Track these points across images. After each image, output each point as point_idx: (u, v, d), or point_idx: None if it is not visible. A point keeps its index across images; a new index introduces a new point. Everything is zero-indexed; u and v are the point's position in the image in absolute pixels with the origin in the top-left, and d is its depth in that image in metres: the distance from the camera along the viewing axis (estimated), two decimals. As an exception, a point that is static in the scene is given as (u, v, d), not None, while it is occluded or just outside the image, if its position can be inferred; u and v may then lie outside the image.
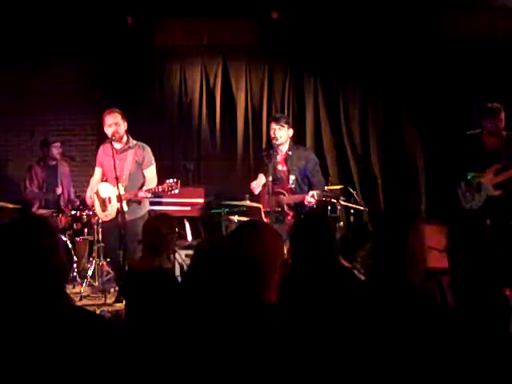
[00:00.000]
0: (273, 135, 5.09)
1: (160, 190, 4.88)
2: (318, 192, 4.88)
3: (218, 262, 2.32)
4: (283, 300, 1.98)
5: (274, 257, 1.93)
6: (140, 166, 5.11)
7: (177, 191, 4.82)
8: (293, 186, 5.11)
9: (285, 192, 5.10)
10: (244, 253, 1.91)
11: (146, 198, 5.03)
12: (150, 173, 5.14)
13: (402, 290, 2.23)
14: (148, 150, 5.19)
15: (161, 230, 3.40)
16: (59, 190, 6.31)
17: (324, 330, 2.36)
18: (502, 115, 4.95)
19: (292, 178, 5.11)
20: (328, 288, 2.65)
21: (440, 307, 2.27)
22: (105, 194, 5.13)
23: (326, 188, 5.23)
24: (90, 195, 5.29)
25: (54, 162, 6.38)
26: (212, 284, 2.34)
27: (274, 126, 5.10)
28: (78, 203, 6.37)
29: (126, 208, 4.90)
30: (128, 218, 4.85)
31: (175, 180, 4.80)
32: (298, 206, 5.06)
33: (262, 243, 1.92)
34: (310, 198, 4.86)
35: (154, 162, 5.19)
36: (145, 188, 4.97)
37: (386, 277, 2.27)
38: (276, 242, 1.98)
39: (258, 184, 5.23)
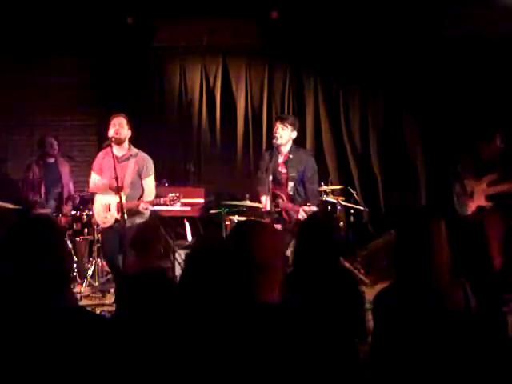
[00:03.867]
0: (274, 134, 5.08)
1: (162, 202, 4.94)
2: (308, 209, 4.85)
3: (215, 261, 2.31)
4: (284, 300, 1.97)
5: (275, 255, 1.92)
6: (140, 175, 5.10)
7: (178, 204, 4.96)
8: (291, 193, 5.11)
9: (283, 196, 5.09)
10: (244, 252, 1.90)
11: (147, 209, 5.03)
12: (149, 183, 5.13)
13: (429, 293, 2.17)
14: (149, 160, 5.18)
15: (145, 230, 3.33)
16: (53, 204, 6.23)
17: (326, 331, 2.35)
18: (497, 141, 4.78)
19: (291, 184, 5.09)
20: (328, 289, 2.65)
21: (464, 311, 2.19)
22: (105, 200, 5.11)
23: (319, 198, 5.31)
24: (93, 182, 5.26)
25: (53, 160, 6.32)
26: (211, 283, 2.32)
27: (277, 124, 5.09)
28: (78, 200, 6.35)
29: (125, 216, 4.85)
30: (128, 224, 4.82)
31: (177, 194, 4.90)
32: (293, 215, 5.05)
33: (262, 242, 1.92)
34: (303, 213, 4.85)
35: (152, 173, 5.17)
36: (145, 200, 4.99)
37: (413, 279, 2.21)
38: (276, 241, 1.97)
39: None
